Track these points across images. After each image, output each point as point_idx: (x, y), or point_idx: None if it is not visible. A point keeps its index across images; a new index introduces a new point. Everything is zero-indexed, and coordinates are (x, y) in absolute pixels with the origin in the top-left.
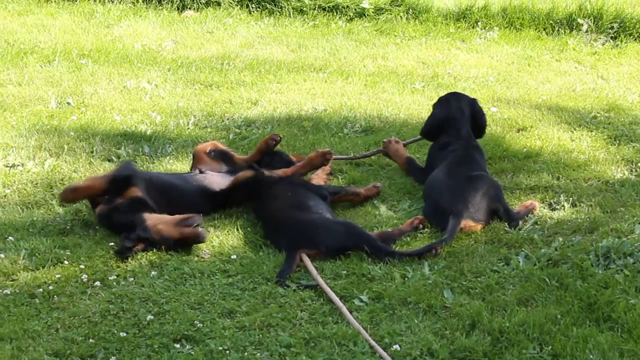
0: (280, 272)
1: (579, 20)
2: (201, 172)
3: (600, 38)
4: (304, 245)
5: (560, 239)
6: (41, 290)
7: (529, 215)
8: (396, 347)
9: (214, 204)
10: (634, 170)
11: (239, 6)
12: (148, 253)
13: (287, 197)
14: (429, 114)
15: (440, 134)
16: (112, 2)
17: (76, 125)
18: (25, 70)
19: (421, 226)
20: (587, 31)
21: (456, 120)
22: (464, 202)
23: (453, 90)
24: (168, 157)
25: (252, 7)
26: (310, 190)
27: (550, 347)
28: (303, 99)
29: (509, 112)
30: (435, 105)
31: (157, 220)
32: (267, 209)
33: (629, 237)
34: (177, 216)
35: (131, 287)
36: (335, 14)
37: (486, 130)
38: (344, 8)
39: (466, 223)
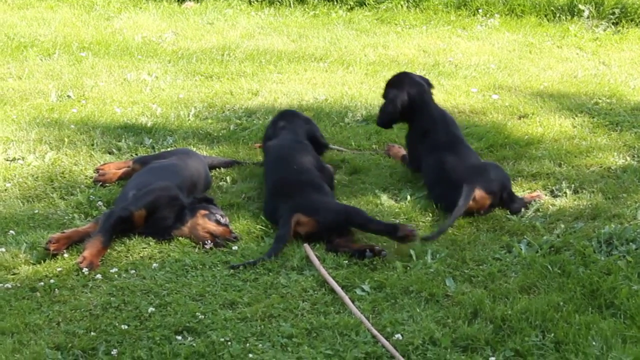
0: (276, 238)
1: (580, 6)
2: None
3: (601, 24)
4: (304, 212)
5: (562, 226)
6: (42, 283)
7: (533, 202)
8: (398, 336)
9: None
10: (635, 156)
11: None
12: (151, 244)
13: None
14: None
15: (404, 119)
16: None
17: (77, 118)
18: (26, 64)
19: (368, 252)
20: (588, 17)
21: (422, 98)
22: (479, 174)
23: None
24: (169, 149)
25: None
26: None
27: (552, 334)
28: (304, 88)
29: (511, 99)
30: (388, 90)
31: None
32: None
33: (631, 223)
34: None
35: (132, 279)
36: (335, 3)
37: (482, 118)
38: None
39: (479, 192)
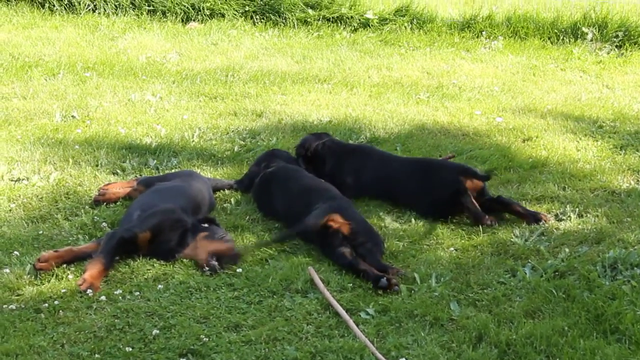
0: (304, 220)
1: (583, 29)
2: None
3: (605, 47)
4: (341, 212)
5: (567, 250)
6: (46, 305)
7: (537, 223)
8: None
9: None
10: None
11: (243, 18)
12: (155, 266)
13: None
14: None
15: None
16: (117, 14)
17: (81, 138)
18: (30, 84)
19: (383, 281)
20: (592, 40)
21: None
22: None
23: None
24: (173, 170)
25: (257, 19)
26: None
27: (557, 359)
28: (308, 110)
29: (514, 122)
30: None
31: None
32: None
33: (635, 247)
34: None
35: (137, 301)
36: (339, 24)
37: (486, 141)
38: (348, 19)
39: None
